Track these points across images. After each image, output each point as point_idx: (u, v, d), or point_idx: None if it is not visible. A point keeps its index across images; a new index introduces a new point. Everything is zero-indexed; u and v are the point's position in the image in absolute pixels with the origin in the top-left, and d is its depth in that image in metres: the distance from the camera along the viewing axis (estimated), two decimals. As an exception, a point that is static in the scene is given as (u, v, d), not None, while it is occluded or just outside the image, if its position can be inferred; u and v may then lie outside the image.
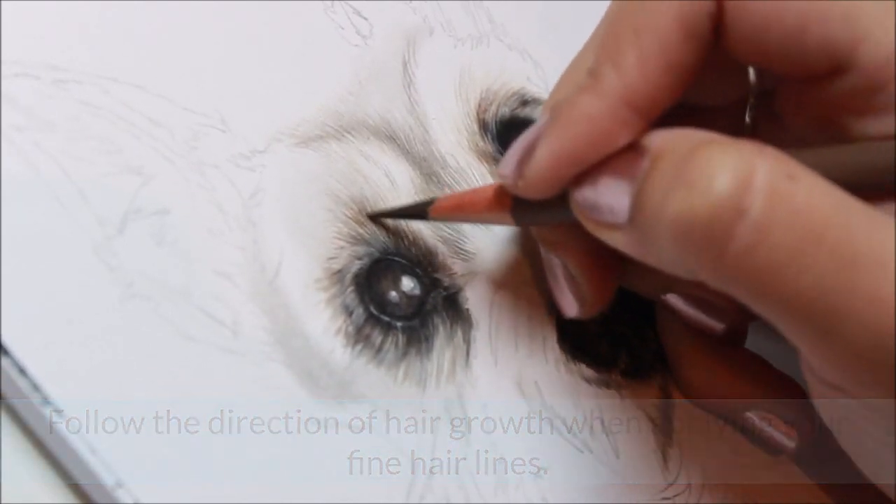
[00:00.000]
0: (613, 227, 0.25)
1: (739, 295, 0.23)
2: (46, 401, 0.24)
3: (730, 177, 0.22)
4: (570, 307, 0.30)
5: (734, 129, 0.30)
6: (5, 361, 0.24)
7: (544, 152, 0.26)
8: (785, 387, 0.31)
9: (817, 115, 0.27)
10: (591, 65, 0.26)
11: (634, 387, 0.32)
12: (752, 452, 0.32)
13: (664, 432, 0.31)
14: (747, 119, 0.30)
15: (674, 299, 0.31)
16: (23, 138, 0.26)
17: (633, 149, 0.25)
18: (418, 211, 0.30)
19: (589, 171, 0.26)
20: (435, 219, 0.30)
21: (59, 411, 0.24)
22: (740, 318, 0.31)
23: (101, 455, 0.24)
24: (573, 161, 0.25)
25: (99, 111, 0.28)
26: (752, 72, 0.29)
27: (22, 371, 0.24)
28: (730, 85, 0.29)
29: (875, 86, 0.25)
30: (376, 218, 0.30)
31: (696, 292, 0.31)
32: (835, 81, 0.26)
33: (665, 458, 0.31)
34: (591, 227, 0.26)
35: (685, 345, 0.32)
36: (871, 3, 0.25)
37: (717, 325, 0.31)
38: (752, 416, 0.31)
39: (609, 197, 0.25)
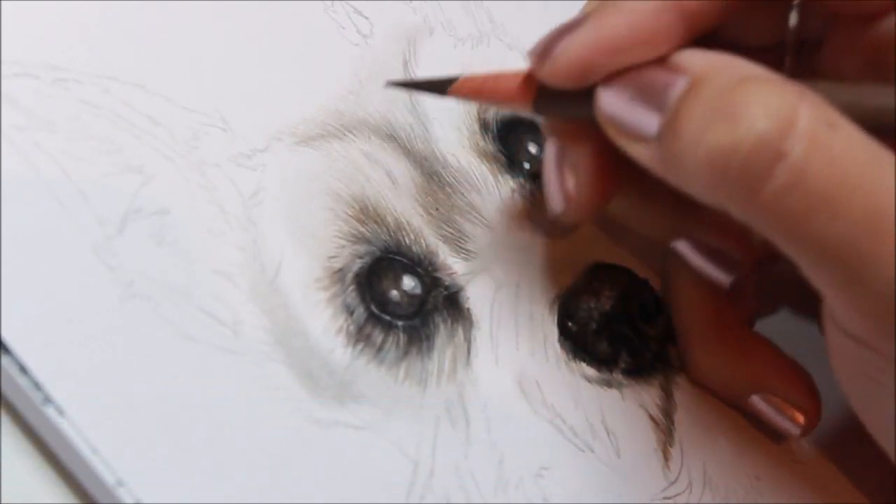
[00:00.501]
0: (639, 139, 0.25)
1: (769, 233, 0.24)
2: (47, 400, 0.24)
3: (774, 118, 0.23)
4: (557, 202, 0.29)
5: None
6: (6, 360, 0.24)
7: (580, 36, 0.26)
8: (792, 371, 0.31)
9: (863, 58, 0.27)
10: None
11: (636, 386, 0.32)
12: (754, 452, 0.32)
13: (665, 431, 0.31)
14: (786, 64, 0.30)
15: (683, 246, 0.31)
16: (23, 138, 0.26)
17: (668, 66, 0.25)
18: (438, 87, 0.29)
19: (618, 80, 0.25)
20: (453, 97, 0.29)
21: (60, 410, 0.24)
22: (749, 272, 0.31)
23: (102, 454, 0.24)
24: (607, 51, 0.25)
25: (99, 111, 0.28)
26: (792, 16, 0.29)
27: (23, 370, 0.24)
28: (769, 26, 0.29)
29: None
30: (395, 85, 0.30)
31: (707, 237, 0.31)
32: (886, 21, 0.26)
33: (666, 457, 0.31)
34: (613, 135, 0.26)
35: (694, 325, 0.32)
36: None
37: (725, 278, 0.31)
38: (758, 400, 0.31)
39: (638, 112, 0.25)
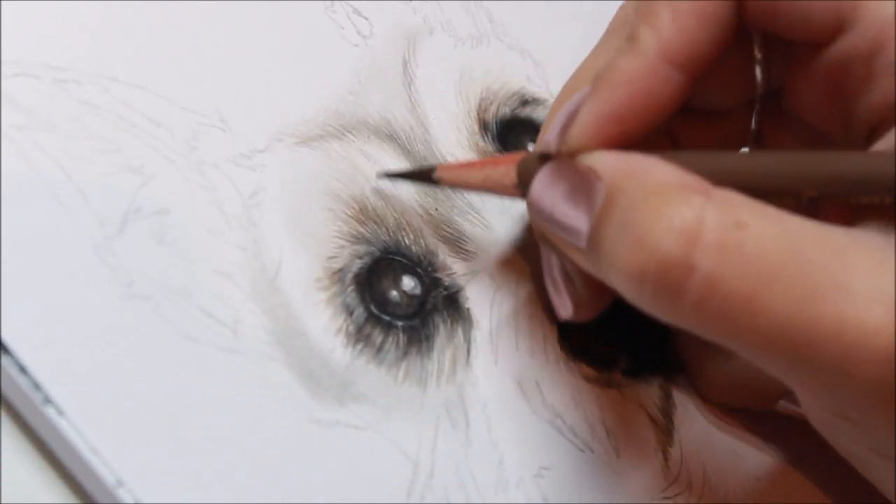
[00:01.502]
0: (576, 248, 0.26)
1: (706, 336, 0.24)
2: (47, 400, 0.24)
3: (676, 234, 0.23)
4: (565, 308, 0.29)
5: (740, 132, 0.30)
6: (6, 360, 0.24)
7: (586, 115, 0.26)
8: None
9: (825, 88, 0.27)
10: (630, 30, 0.26)
11: (635, 386, 0.32)
12: (754, 452, 0.32)
13: (665, 431, 0.31)
14: (753, 124, 0.30)
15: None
16: (23, 138, 0.26)
17: (588, 174, 0.25)
18: (424, 176, 0.30)
19: (548, 180, 0.26)
20: (440, 184, 0.30)
21: (59, 410, 0.24)
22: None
23: (102, 454, 0.24)
24: (616, 121, 0.26)
25: (99, 111, 0.28)
26: (758, 71, 0.29)
27: (23, 370, 0.24)
28: (737, 87, 0.29)
29: (875, 47, 0.25)
30: (386, 177, 0.31)
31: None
32: (838, 43, 0.26)
33: (666, 457, 0.31)
34: (557, 243, 0.26)
35: (700, 349, 0.32)
36: None
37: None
38: (784, 404, 0.31)
39: (568, 220, 0.26)
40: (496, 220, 0.32)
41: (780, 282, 0.22)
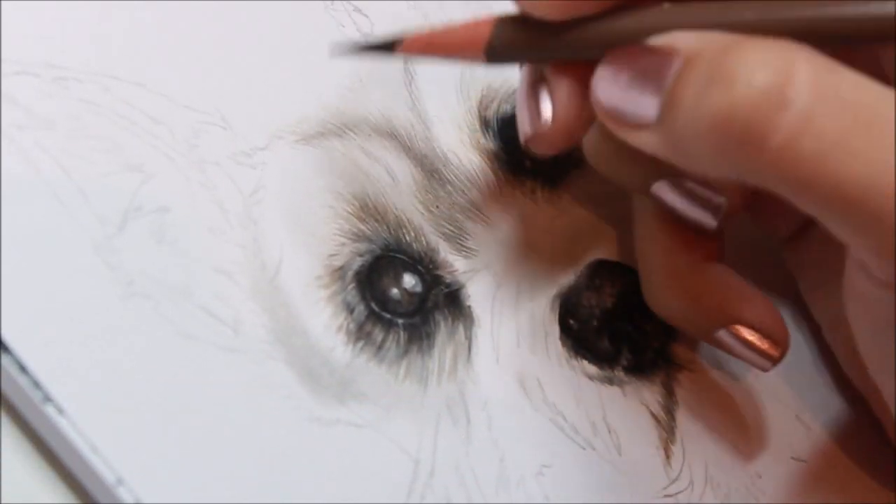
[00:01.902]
0: (641, 127, 0.25)
1: (784, 190, 0.23)
2: (47, 398, 0.24)
3: (772, 69, 0.22)
4: (528, 126, 0.29)
5: None
6: (6, 359, 0.24)
7: None
8: (759, 300, 0.30)
9: None
10: None
11: (637, 383, 0.32)
12: (756, 450, 0.32)
13: (667, 429, 0.31)
14: None
15: (664, 190, 0.30)
16: (23, 137, 0.26)
17: (661, 49, 0.24)
18: (385, 47, 0.28)
19: (612, 66, 0.25)
20: (403, 55, 0.28)
21: (59, 409, 0.24)
22: (734, 213, 0.30)
23: (102, 453, 0.24)
24: None
25: (99, 109, 0.28)
26: None
27: (23, 369, 0.24)
28: None
29: None
30: (339, 51, 0.28)
31: (687, 181, 0.30)
32: None
33: (668, 455, 0.31)
34: (613, 127, 0.25)
35: (656, 258, 0.31)
36: None
37: (711, 220, 0.30)
38: (725, 334, 0.30)
39: (636, 100, 0.25)
40: (498, 216, 0.32)
41: (874, 128, 0.22)
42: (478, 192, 0.32)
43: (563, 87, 0.28)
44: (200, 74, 0.30)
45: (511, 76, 0.35)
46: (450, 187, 0.32)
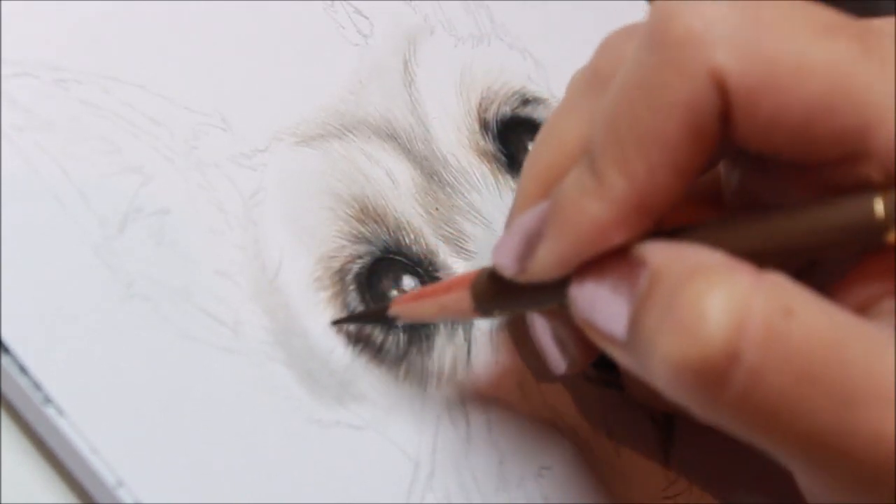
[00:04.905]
0: (612, 341, 0.24)
1: (737, 433, 0.23)
2: (47, 400, 0.24)
3: (723, 320, 0.21)
4: (558, 368, 0.29)
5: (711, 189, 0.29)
6: (6, 360, 0.24)
7: (548, 253, 0.25)
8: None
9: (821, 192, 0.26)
10: (594, 163, 0.24)
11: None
12: (754, 452, 0.32)
13: (666, 431, 0.31)
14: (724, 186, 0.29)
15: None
16: (23, 138, 0.26)
17: (633, 261, 0.24)
18: (377, 314, 0.29)
19: (588, 276, 0.25)
20: (397, 319, 0.28)
21: (60, 410, 0.24)
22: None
23: (102, 454, 0.24)
24: (577, 261, 0.25)
25: (99, 111, 0.28)
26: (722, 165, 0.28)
27: (23, 370, 0.24)
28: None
29: (890, 171, 0.24)
30: (339, 324, 0.29)
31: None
32: (846, 166, 0.24)
33: (667, 456, 0.31)
34: (590, 336, 0.25)
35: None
36: (882, 87, 0.23)
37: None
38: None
39: (608, 313, 0.24)
40: (497, 219, 0.32)
41: (823, 382, 0.21)
42: (477, 194, 0.32)
43: (569, 329, 0.28)
44: (200, 76, 0.30)
45: (510, 79, 0.35)
46: (449, 189, 0.32)
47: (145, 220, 0.27)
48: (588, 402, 0.31)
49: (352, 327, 0.28)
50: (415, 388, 0.28)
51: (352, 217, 0.30)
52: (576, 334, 0.28)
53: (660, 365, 0.22)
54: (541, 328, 0.29)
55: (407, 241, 0.30)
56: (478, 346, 0.30)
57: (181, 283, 0.27)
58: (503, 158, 0.33)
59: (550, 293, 0.26)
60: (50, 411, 0.24)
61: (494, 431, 0.29)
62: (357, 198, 0.30)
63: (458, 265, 0.31)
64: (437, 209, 0.31)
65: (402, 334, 0.29)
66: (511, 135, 0.34)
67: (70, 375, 0.24)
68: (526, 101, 0.35)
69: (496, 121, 0.34)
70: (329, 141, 0.31)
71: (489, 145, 0.34)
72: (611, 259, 0.24)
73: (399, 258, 0.30)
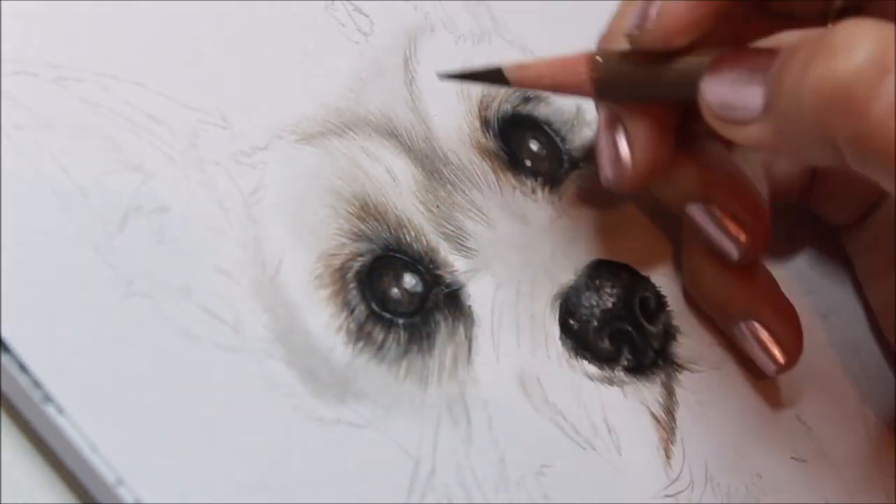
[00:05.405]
0: (746, 121, 0.26)
1: (881, 163, 0.23)
2: (47, 398, 0.24)
3: (872, 39, 0.23)
4: (610, 170, 0.30)
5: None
6: (6, 359, 0.24)
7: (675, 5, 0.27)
8: (785, 306, 0.32)
9: None
10: None
11: (637, 383, 0.32)
12: (756, 450, 0.32)
13: (667, 429, 0.31)
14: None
15: (696, 211, 0.31)
16: (22, 136, 0.26)
17: (766, 51, 0.25)
18: (495, 77, 0.30)
19: (719, 69, 0.26)
20: (514, 86, 0.30)
21: (59, 409, 0.24)
22: (756, 247, 0.31)
23: (102, 452, 0.24)
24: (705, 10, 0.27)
25: (99, 109, 0.27)
26: None
27: (23, 368, 0.24)
28: None
29: None
30: (448, 77, 0.30)
31: (720, 205, 0.31)
32: None
33: (668, 455, 0.31)
34: (721, 127, 0.26)
35: (703, 249, 0.32)
36: None
37: (734, 251, 0.31)
38: (744, 329, 0.32)
39: (743, 92, 0.25)
40: (498, 217, 0.32)
41: None
42: (478, 191, 0.32)
43: (642, 128, 0.29)
44: (200, 74, 0.30)
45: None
46: (450, 187, 0.32)
47: (145, 218, 0.27)
48: (589, 399, 0.30)
49: (352, 325, 0.28)
50: (415, 387, 0.28)
51: (352, 215, 0.30)
52: (647, 138, 0.29)
53: (808, 95, 0.23)
54: (605, 127, 0.30)
55: (407, 238, 0.30)
56: (479, 344, 0.30)
57: (181, 280, 0.26)
58: (504, 156, 0.33)
59: (674, 83, 0.27)
60: (50, 410, 0.24)
61: (495, 430, 0.29)
62: (357, 195, 0.30)
63: (458, 263, 0.31)
64: (437, 207, 0.31)
65: (402, 332, 0.29)
66: (512, 132, 0.34)
67: (70, 374, 0.24)
68: (527, 99, 0.35)
69: (497, 118, 0.34)
70: (329, 139, 0.31)
71: (490, 143, 0.33)
72: (742, 54, 0.26)
73: (400, 256, 0.30)
